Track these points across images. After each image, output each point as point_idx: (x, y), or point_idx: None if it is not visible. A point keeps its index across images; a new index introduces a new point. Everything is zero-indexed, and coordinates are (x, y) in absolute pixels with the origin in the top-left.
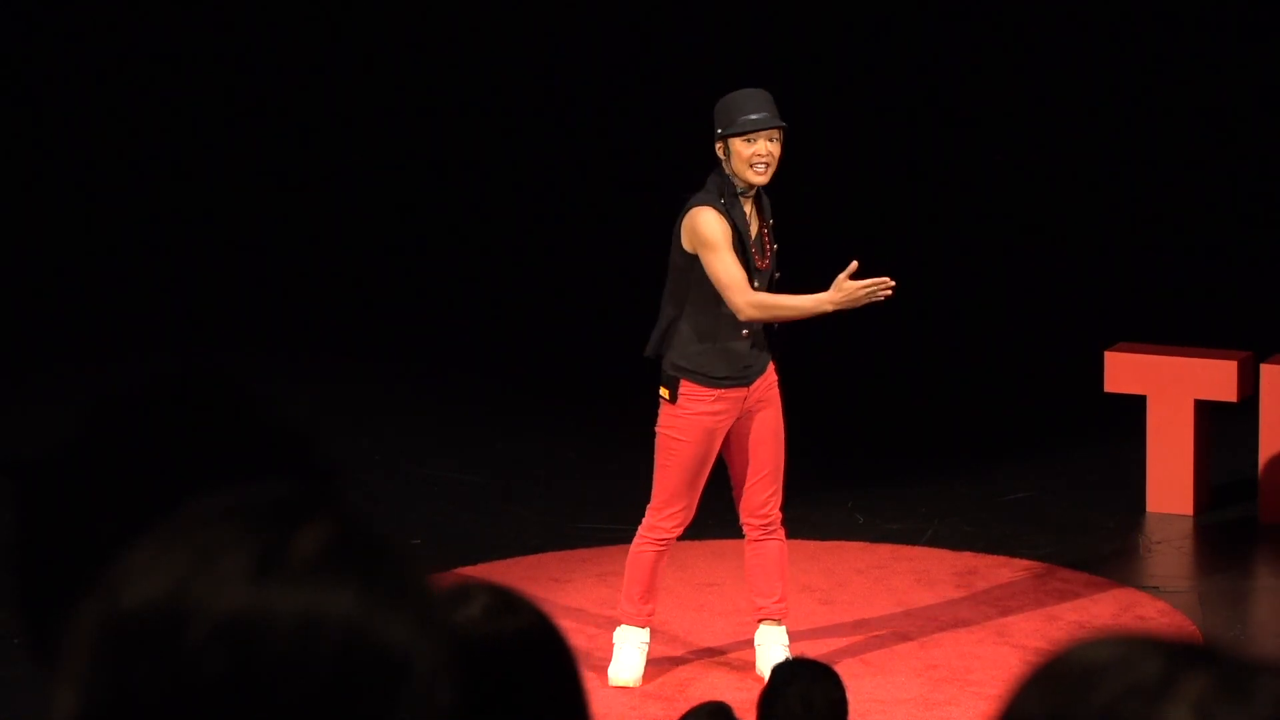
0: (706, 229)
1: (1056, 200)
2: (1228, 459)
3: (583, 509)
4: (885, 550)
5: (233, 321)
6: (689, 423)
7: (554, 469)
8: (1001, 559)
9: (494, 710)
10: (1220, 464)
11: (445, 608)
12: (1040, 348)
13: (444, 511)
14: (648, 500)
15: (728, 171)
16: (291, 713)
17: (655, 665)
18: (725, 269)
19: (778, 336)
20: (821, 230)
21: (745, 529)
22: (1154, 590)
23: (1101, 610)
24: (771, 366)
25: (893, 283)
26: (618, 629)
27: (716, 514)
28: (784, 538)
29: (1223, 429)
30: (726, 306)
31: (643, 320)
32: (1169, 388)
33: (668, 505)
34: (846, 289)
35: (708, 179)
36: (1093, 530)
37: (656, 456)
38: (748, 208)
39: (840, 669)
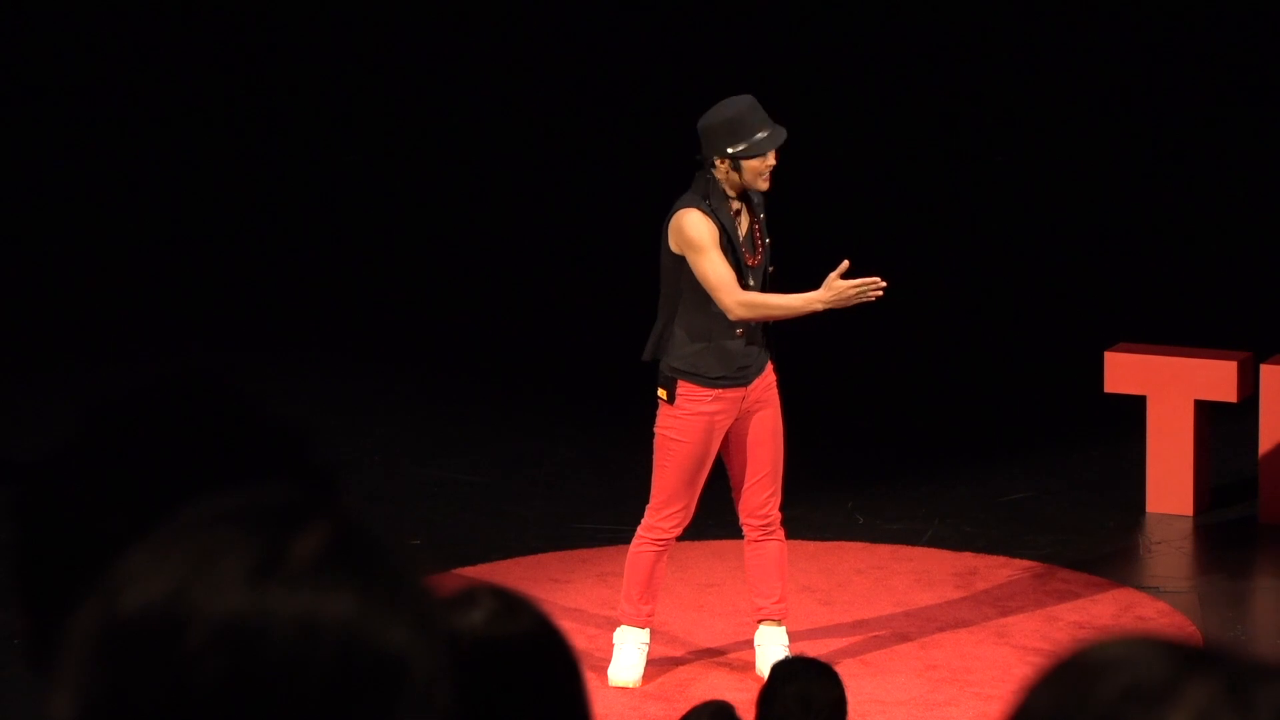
0: (692, 230)
1: (1056, 200)
2: (1228, 459)
3: (583, 509)
4: (885, 550)
5: (232, 321)
6: (687, 423)
7: (554, 469)
8: (1001, 559)
9: (497, 713)
10: (1220, 464)
11: (445, 611)
12: (1040, 348)
13: (444, 511)
14: (647, 501)
15: (721, 179)
16: (290, 716)
17: (655, 665)
18: (713, 269)
19: (775, 336)
20: (821, 230)
21: (745, 529)
22: (1154, 590)
23: (1101, 610)
24: (770, 366)
25: (883, 283)
26: (618, 629)
27: (716, 514)
28: (784, 538)
29: (1223, 429)
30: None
31: (642, 321)
32: (1169, 388)
33: (667, 506)
34: (836, 288)
35: (693, 180)
36: (1093, 530)
37: (655, 457)
38: (736, 206)
39: (840, 669)
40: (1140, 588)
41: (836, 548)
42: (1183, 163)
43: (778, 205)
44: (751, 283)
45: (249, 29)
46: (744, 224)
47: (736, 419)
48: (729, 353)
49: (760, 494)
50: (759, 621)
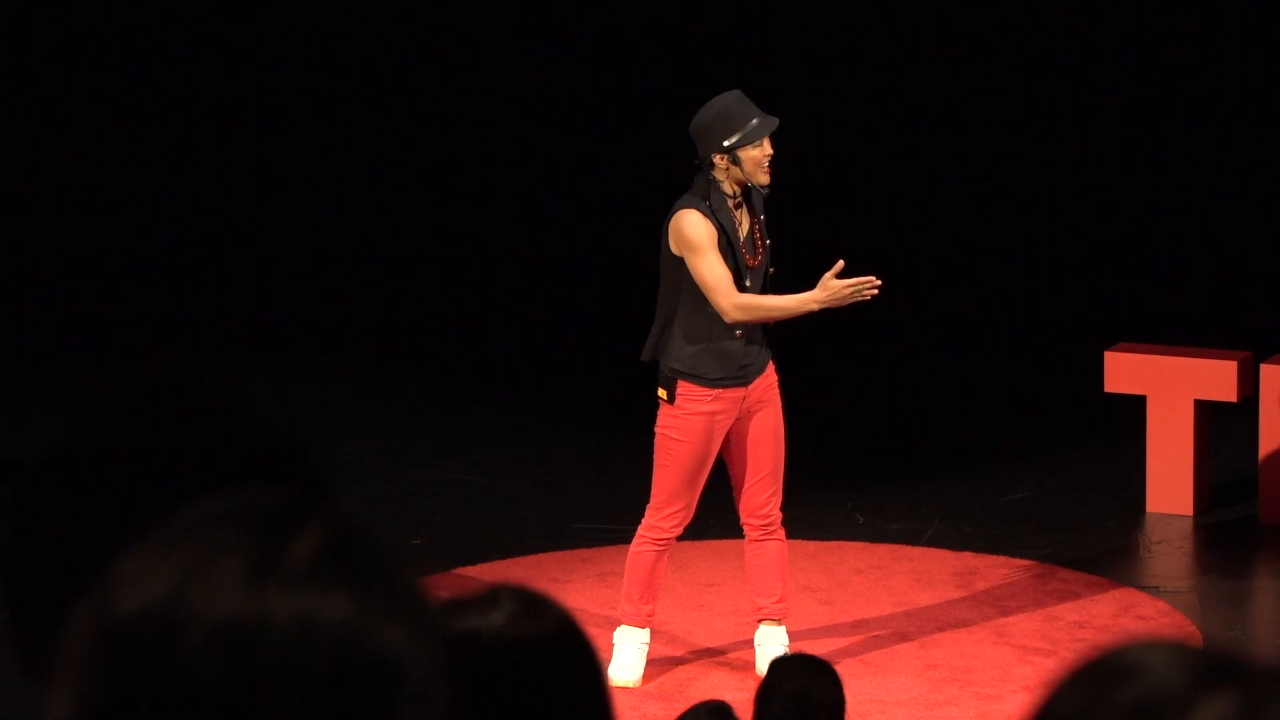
0: (691, 231)
1: (1056, 200)
2: (1228, 459)
3: (583, 509)
4: (885, 550)
5: (232, 322)
6: (687, 423)
7: (554, 469)
8: (1001, 559)
9: (520, 714)
10: (1220, 464)
11: (451, 612)
12: (1040, 348)
13: (444, 511)
14: (647, 501)
15: (721, 178)
16: (287, 717)
17: (655, 665)
18: (710, 271)
19: (775, 336)
20: (820, 230)
21: (745, 529)
22: (1154, 590)
23: (1101, 610)
24: (771, 366)
25: (878, 282)
26: (618, 629)
27: (716, 514)
28: (784, 538)
29: (1223, 429)
30: None
31: (642, 321)
32: (1169, 388)
33: (667, 505)
34: (832, 288)
35: (694, 181)
36: (1093, 530)
37: (656, 457)
38: (737, 209)
39: (840, 669)
40: (1140, 588)
41: (836, 548)
42: (1183, 163)
43: (777, 205)
44: (750, 284)
45: (249, 29)
46: (744, 225)
47: (737, 419)
48: (728, 353)
49: (761, 494)
50: (759, 621)
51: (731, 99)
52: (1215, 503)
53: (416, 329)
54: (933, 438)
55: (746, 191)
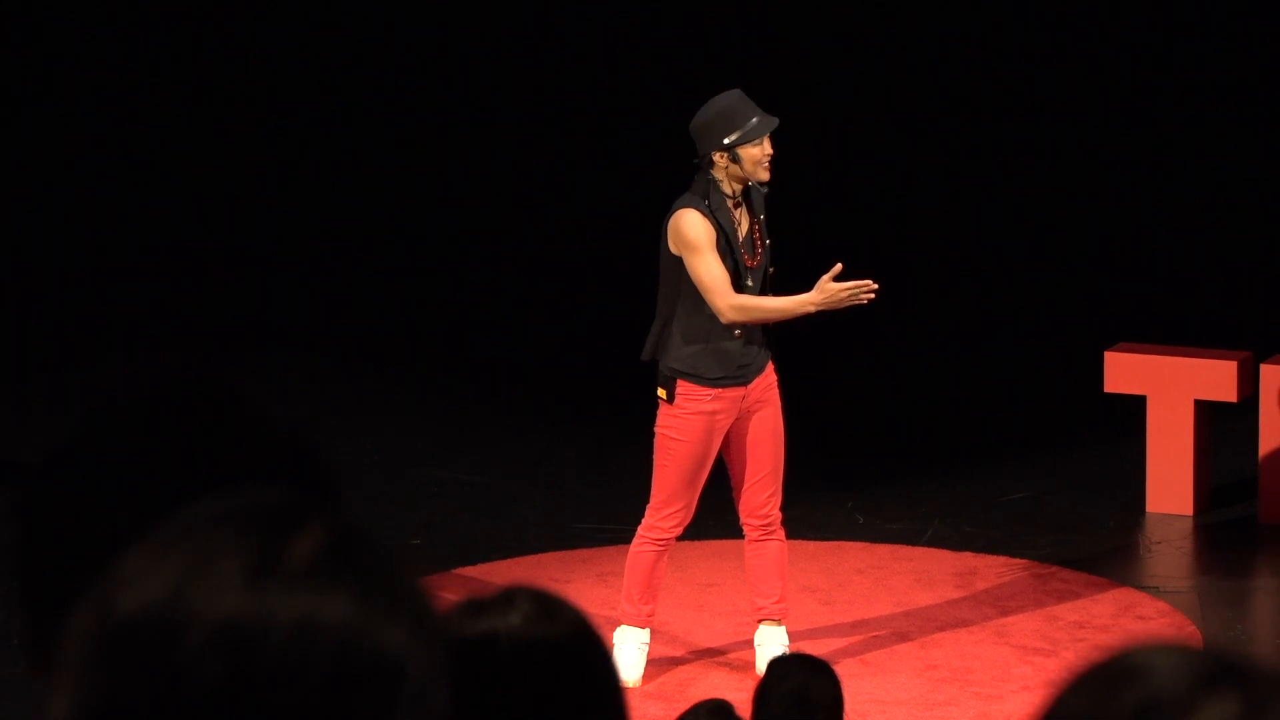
0: (689, 230)
1: (1056, 200)
2: (1228, 459)
3: (583, 509)
4: (885, 550)
5: (232, 321)
6: (687, 423)
7: (554, 469)
8: (1001, 559)
9: (535, 715)
10: (1220, 464)
11: (459, 614)
12: (1040, 348)
13: (444, 511)
14: (647, 501)
15: (721, 177)
16: (287, 718)
17: (655, 665)
18: (707, 271)
19: (775, 336)
20: (819, 231)
21: (745, 529)
22: (1154, 590)
23: (1101, 610)
24: (771, 366)
25: (875, 286)
26: (618, 629)
27: (716, 514)
28: (784, 538)
29: (1223, 429)
30: None
31: (642, 321)
32: (1169, 388)
33: (667, 505)
34: (829, 290)
35: (694, 181)
36: (1093, 530)
37: (655, 457)
38: (736, 209)
39: (840, 669)
40: (1140, 588)
41: (836, 548)
42: (1183, 163)
43: (777, 205)
44: (750, 284)
45: (248, 27)
46: (744, 225)
47: (737, 418)
48: (727, 353)
49: (761, 494)
50: (759, 621)
51: (732, 98)
52: (1215, 503)
53: (417, 329)
54: (933, 438)
55: (746, 191)
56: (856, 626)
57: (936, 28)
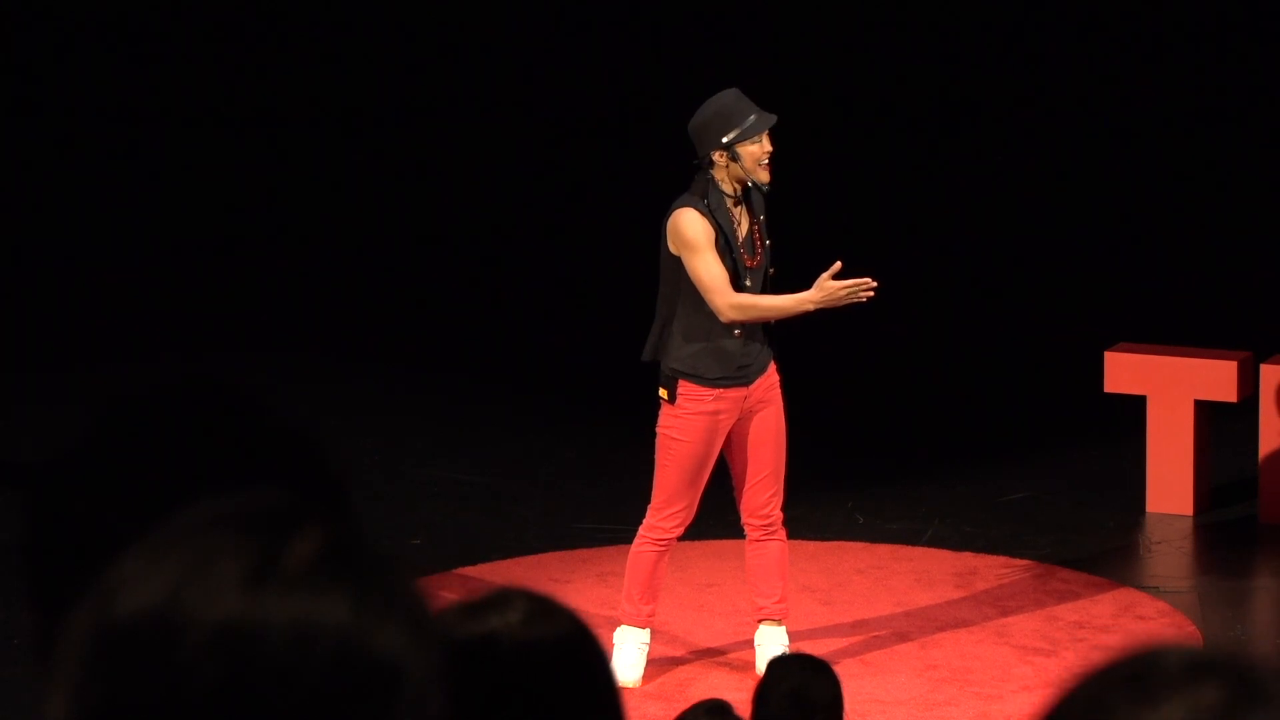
0: (688, 229)
1: (1056, 200)
2: (1228, 459)
3: (583, 509)
4: (885, 550)
5: (233, 321)
6: (688, 423)
7: (554, 469)
8: (1001, 559)
9: (531, 717)
10: (1220, 464)
11: (471, 614)
12: (1040, 348)
13: (444, 511)
14: (648, 501)
15: (721, 177)
16: None
17: (655, 665)
18: (706, 270)
19: (776, 336)
20: (819, 231)
21: (746, 529)
22: (1154, 590)
23: (1101, 610)
24: (773, 366)
25: (875, 283)
26: (618, 629)
27: (716, 514)
28: (785, 538)
29: (1223, 429)
30: None
31: (642, 321)
32: (1169, 388)
33: (668, 505)
34: (828, 289)
35: (693, 181)
36: (1093, 530)
37: (657, 457)
38: (736, 208)
39: (840, 669)
40: (1140, 588)
41: (836, 548)
42: (1183, 163)
43: (777, 205)
44: (750, 284)
45: (249, 29)
46: (743, 225)
47: (739, 419)
48: (727, 353)
49: (762, 494)
50: (759, 621)
51: (729, 96)
52: (1215, 503)
53: (416, 328)
54: (933, 438)
55: (746, 191)
56: (856, 626)
57: (937, 27)
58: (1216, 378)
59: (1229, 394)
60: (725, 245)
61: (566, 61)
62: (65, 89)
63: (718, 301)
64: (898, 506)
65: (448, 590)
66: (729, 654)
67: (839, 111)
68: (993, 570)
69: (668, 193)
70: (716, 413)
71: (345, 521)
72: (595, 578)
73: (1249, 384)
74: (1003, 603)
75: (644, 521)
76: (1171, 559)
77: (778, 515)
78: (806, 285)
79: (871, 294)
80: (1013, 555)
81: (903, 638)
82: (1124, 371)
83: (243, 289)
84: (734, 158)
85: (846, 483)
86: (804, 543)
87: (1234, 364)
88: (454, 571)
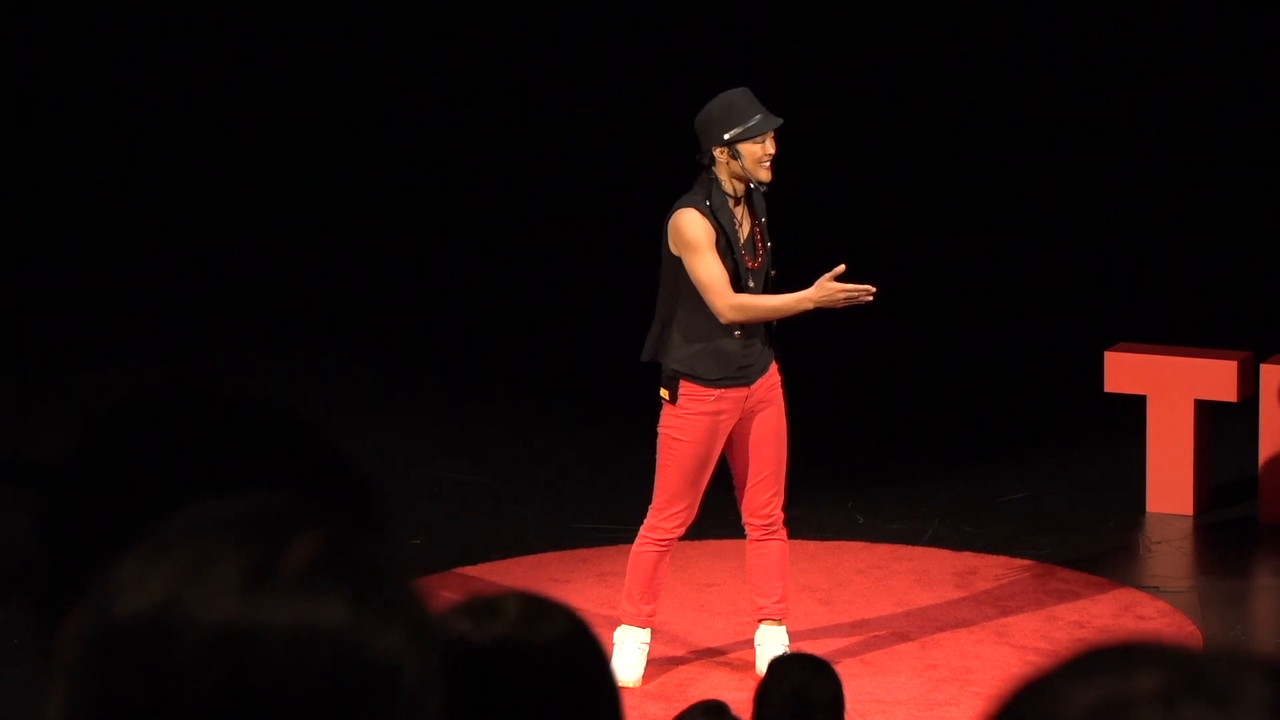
0: (689, 230)
1: (1056, 200)
2: (1228, 459)
3: (583, 509)
4: (885, 550)
5: (233, 321)
6: (689, 423)
7: (554, 469)
8: (1001, 559)
9: (530, 718)
10: (1220, 464)
11: (469, 616)
12: (1040, 348)
13: (444, 511)
14: (649, 501)
15: (723, 176)
16: None
17: (655, 665)
18: (706, 270)
19: (777, 336)
20: (820, 230)
21: (747, 529)
22: (1154, 590)
23: (1101, 610)
24: (774, 366)
25: (874, 289)
26: (618, 629)
27: (717, 514)
28: (786, 538)
29: (1223, 429)
30: None
31: (642, 321)
32: (1169, 388)
33: (669, 505)
34: (828, 289)
35: (696, 181)
36: (1093, 530)
37: (658, 457)
38: (738, 209)
39: (840, 668)
40: (1140, 588)
41: (836, 548)
42: (1182, 163)
43: (777, 205)
44: (751, 285)
45: (249, 29)
46: (745, 226)
47: (740, 419)
48: (727, 353)
49: (763, 494)
50: (759, 621)
51: (738, 94)
52: (1215, 503)
53: (416, 329)
54: (933, 438)
55: (748, 192)
56: (856, 626)
57: (938, 28)
58: (1216, 377)
59: (1229, 394)
60: (726, 246)
61: (568, 61)
62: (66, 89)
63: (717, 302)
64: (898, 506)
65: (448, 590)
66: (729, 654)
67: (839, 112)
68: (993, 570)
69: (669, 192)
70: (718, 413)
71: (344, 523)
72: (595, 578)
73: (1249, 384)
74: (1003, 603)
75: (645, 521)
76: (1171, 559)
77: (778, 515)
78: (807, 287)
79: (870, 299)
80: (1013, 555)
81: (903, 638)
82: (1124, 371)
83: (243, 289)
84: (735, 155)
85: (846, 483)
86: (804, 543)
87: (1234, 364)
88: (454, 571)
